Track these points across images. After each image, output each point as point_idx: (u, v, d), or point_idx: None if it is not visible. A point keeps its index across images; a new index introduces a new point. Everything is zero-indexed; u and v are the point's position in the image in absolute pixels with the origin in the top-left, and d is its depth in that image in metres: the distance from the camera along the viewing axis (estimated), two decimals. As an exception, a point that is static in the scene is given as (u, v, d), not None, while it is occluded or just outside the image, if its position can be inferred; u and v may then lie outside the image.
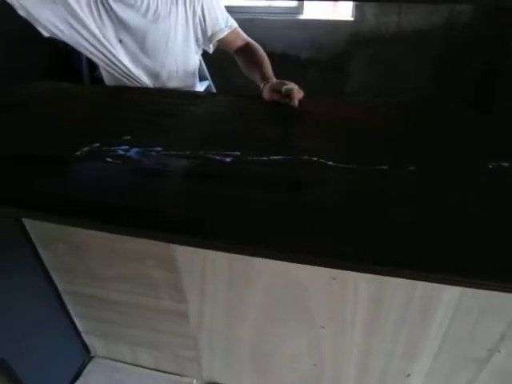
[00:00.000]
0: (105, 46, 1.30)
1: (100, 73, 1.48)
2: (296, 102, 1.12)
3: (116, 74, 1.38)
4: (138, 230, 0.76)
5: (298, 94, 1.13)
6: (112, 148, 0.96)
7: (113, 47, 1.31)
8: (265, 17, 2.70)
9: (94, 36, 1.27)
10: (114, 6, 1.24)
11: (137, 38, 1.31)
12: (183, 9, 1.32)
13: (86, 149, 0.95)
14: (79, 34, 1.26)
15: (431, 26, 2.50)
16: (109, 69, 1.37)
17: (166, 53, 1.36)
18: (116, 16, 1.26)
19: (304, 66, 2.77)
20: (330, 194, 0.81)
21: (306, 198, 0.80)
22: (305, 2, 2.69)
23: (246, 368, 1.23)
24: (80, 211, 0.77)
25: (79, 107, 1.23)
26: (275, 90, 1.16)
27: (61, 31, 1.25)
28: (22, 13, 1.19)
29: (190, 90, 1.51)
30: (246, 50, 1.40)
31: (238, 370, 1.26)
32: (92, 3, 1.23)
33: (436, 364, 0.96)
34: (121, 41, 1.31)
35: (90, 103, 1.29)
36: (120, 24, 1.28)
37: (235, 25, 1.41)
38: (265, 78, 1.23)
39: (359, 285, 0.87)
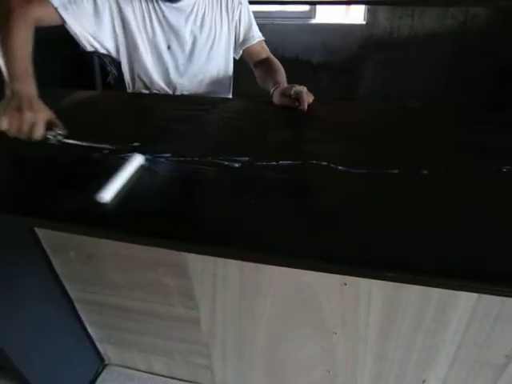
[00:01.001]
0: (149, 55, 1.31)
1: (112, 79, 1.48)
2: (305, 106, 1.11)
3: (141, 85, 1.38)
4: (149, 240, 0.76)
5: (307, 97, 1.12)
6: (121, 155, 0.96)
7: (159, 55, 1.32)
8: (277, 21, 2.71)
9: (143, 44, 1.28)
10: (167, 11, 1.25)
11: (186, 45, 1.32)
12: (226, 14, 1.35)
13: (96, 155, 0.96)
14: (132, 43, 1.27)
15: (445, 29, 2.47)
16: (141, 79, 1.37)
17: (210, 58, 1.38)
18: (167, 22, 1.27)
19: (316, 70, 2.77)
20: (341, 199, 0.80)
21: (316, 204, 0.79)
22: (317, 6, 2.69)
23: (258, 375, 1.22)
24: (91, 220, 0.78)
25: (94, 113, 1.24)
26: (285, 94, 1.15)
27: (110, 44, 1.26)
28: (76, 31, 1.17)
29: (225, 95, 1.52)
30: (266, 63, 1.41)
31: (251, 377, 1.25)
32: (145, 11, 1.24)
33: (452, 371, 0.94)
34: (169, 47, 1.31)
35: (105, 109, 1.29)
36: (170, 30, 1.29)
37: (263, 38, 1.44)
38: (276, 84, 1.23)
39: (372, 290, 0.86)
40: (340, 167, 0.88)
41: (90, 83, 2.40)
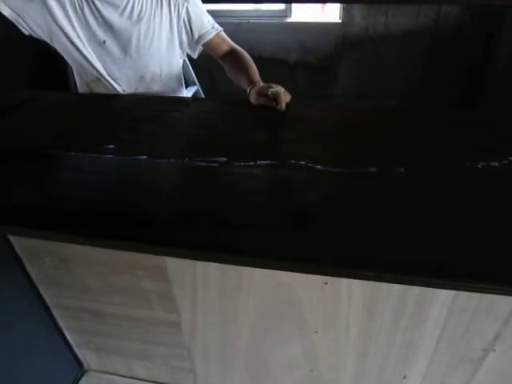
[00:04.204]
0: (86, 47, 1.29)
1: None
2: (283, 106, 1.10)
3: (90, 78, 1.37)
4: (125, 244, 0.75)
5: (284, 97, 1.12)
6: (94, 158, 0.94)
7: (95, 48, 1.30)
8: (252, 20, 2.70)
9: (77, 36, 1.27)
10: (100, 5, 1.23)
11: (120, 40, 1.30)
12: (167, 11, 1.31)
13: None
14: (62, 32, 1.26)
15: (418, 27, 2.51)
16: (88, 72, 1.35)
17: (149, 55, 1.35)
18: (101, 16, 1.25)
19: (293, 69, 2.77)
20: (319, 198, 0.80)
21: (294, 203, 0.79)
22: (292, 4, 2.69)
23: (241, 376, 1.21)
24: (64, 225, 0.76)
25: (61, 115, 1.21)
26: (262, 93, 1.15)
27: (42, 30, 1.25)
28: (5, 12, 1.19)
29: (175, 94, 1.49)
30: (232, 55, 1.39)
31: (234, 378, 1.24)
32: (76, 2, 1.23)
33: (432, 365, 0.95)
34: (104, 42, 1.29)
35: (74, 111, 1.26)
36: (105, 25, 1.27)
37: (220, 28, 1.40)
38: (251, 83, 1.22)
39: (352, 288, 0.86)
40: (318, 166, 0.88)
41: (64, 85, 2.35)
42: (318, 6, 2.86)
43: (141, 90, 1.41)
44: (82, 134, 1.00)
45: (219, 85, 1.54)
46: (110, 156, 0.95)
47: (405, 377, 1.01)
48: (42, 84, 2.08)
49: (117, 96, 1.34)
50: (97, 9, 1.24)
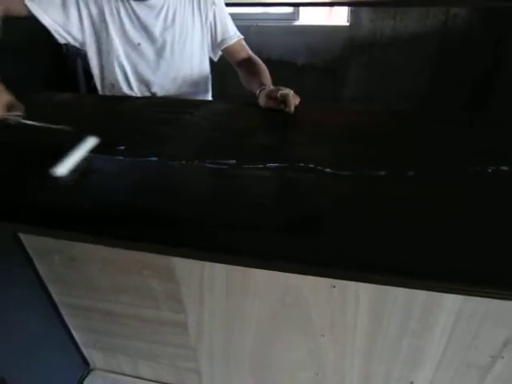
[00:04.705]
0: (118, 50, 1.30)
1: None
2: (292, 108, 1.11)
3: (112, 81, 1.37)
4: (134, 243, 0.75)
5: (293, 99, 1.12)
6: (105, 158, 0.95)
7: (128, 51, 1.30)
8: (261, 23, 2.71)
9: (112, 39, 1.27)
10: (136, 8, 1.25)
11: (155, 42, 1.31)
12: (198, 13, 1.35)
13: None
14: (96, 36, 1.27)
15: (426, 29, 2.50)
16: (113, 75, 1.35)
17: (182, 57, 1.37)
18: (137, 18, 1.26)
19: (300, 72, 2.77)
20: (328, 201, 0.80)
21: (303, 206, 0.79)
22: (300, 8, 2.69)
23: (246, 378, 1.21)
24: (73, 224, 0.77)
25: (75, 117, 1.22)
26: (271, 96, 1.15)
27: (79, 36, 1.26)
28: (46, 22, 1.19)
29: (203, 97, 1.51)
30: (248, 62, 1.41)
31: (239, 380, 1.24)
32: (113, 7, 1.24)
33: (439, 371, 0.95)
34: (139, 44, 1.30)
35: (87, 113, 1.28)
36: (141, 27, 1.28)
37: (242, 36, 1.44)
38: (262, 86, 1.22)
39: (360, 292, 0.86)
40: (327, 169, 0.88)
41: (74, 86, 2.36)
42: (326, 9, 2.86)
43: (172, 92, 1.42)
44: (93, 135, 1.01)
45: (229, 88, 1.55)
46: (121, 157, 0.96)
47: (411, 382, 1.01)
48: (52, 85, 2.10)
49: (129, 98, 1.35)
50: (133, 12, 1.25)
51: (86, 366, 1.43)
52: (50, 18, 1.18)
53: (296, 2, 2.65)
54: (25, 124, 0.96)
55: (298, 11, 2.70)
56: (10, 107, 0.95)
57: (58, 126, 0.98)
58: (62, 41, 1.25)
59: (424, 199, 0.79)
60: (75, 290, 1.15)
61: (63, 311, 1.24)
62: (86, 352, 1.38)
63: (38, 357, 1.21)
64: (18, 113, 0.95)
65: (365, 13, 2.54)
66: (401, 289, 0.80)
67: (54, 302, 1.21)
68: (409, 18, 2.50)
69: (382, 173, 0.86)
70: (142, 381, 1.39)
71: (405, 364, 0.97)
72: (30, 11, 1.15)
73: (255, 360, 1.14)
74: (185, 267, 0.96)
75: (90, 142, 0.97)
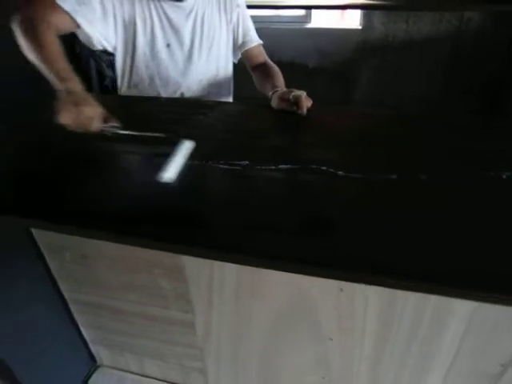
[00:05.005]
0: (147, 50, 1.29)
1: (109, 83, 1.46)
2: (304, 110, 1.11)
3: (138, 81, 1.36)
4: (144, 241, 0.76)
5: (306, 101, 1.12)
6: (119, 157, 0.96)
7: (157, 51, 1.30)
8: (272, 26, 2.71)
9: (140, 40, 1.27)
10: (168, 9, 1.25)
11: (185, 43, 1.32)
12: (224, 14, 1.36)
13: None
14: (126, 39, 1.26)
15: (440, 33, 2.49)
16: (138, 75, 1.34)
17: (209, 58, 1.38)
18: (168, 19, 1.26)
19: (311, 75, 2.77)
20: (340, 204, 0.80)
21: (314, 208, 0.79)
22: (312, 10, 2.69)
23: (252, 380, 1.21)
24: (85, 220, 0.77)
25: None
26: (283, 98, 1.15)
27: (113, 42, 1.26)
28: (92, 33, 1.18)
29: (226, 98, 1.51)
30: (264, 67, 1.41)
31: (245, 382, 1.24)
32: (145, 8, 1.24)
33: (448, 379, 0.94)
34: (168, 45, 1.31)
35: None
36: (171, 28, 1.28)
37: (261, 41, 1.45)
38: (274, 88, 1.23)
39: (368, 296, 0.86)
40: (339, 172, 0.88)
41: (87, 87, 2.37)
42: (338, 12, 2.86)
43: (197, 93, 1.42)
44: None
45: (241, 91, 1.55)
46: (134, 155, 0.97)
47: (419, 389, 1.00)
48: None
49: (144, 98, 1.35)
50: (164, 13, 1.25)
51: (93, 363, 1.44)
52: (97, 30, 1.18)
53: (308, 5, 2.66)
54: (120, 134, 0.97)
55: (310, 14, 2.70)
56: (105, 119, 0.95)
57: (153, 134, 0.99)
58: (98, 47, 1.24)
59: (436, 203, 0.79)
60: (85, 287, 1.16)
61: (72, 308, 1.25)
62: (93, 349, 1.39)
63: (46, 351, 1.22)
64: (114, 124, 0.96)
65: (377, 16, 2.53)
66: (411, 293, 0.79)
67: (64, 298, 1.22)
68: (422, 22, 2.49)
69: (394, 176, 0.86)
70: (148, 379, 1.40)
71: (413, 371, 0.96)
72: (79, 26, 1.14)
73: (262, 362, 1.14)
74: (194, 267, 0.96)
75: (187, 147, 0.96)
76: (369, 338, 0.94)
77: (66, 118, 0.90)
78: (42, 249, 1.09)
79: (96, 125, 0.93)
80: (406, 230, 0.72)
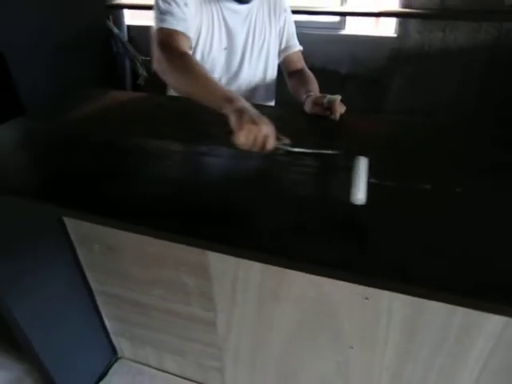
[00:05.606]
0: (208, 53, 1.30)
1: (143, 81, 1.49)
2: (337, 115, 1.10)
3: None
4: (171, 235, 0.76)
5: (339, 107, 1.11)
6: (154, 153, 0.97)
7: (213, 54, 1.31)
8: (306, 31, 2.70)
9: (202, 41, 1.28)
10: (226, 13, 1.26)
11: (239, 46, 1.33)
12: (274, 19, 1.37)
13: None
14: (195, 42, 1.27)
15: (477, 44, 2.44)
16: None
17: (259, 61, 1.39)
18: (225, 23, 1.28)
19: (344, 81, 2.75)
20: (371, 211, 0.79)
21: (345, 215, 0.78)
22: (347, 17, 2.68)
23: (270, 383, 1.21)
24: (116, 213, 0.79)
25: (124, 113, 1.26)
26: (317, 103, 1.15)
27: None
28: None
29: (270, 101, 1.52)
30: (300, 73, 1.41)
31: (262, 384, 1.24)
32: (209, 8, 1.24)
33: (471, 396, 0.92)
34: (225, 48, 1.32)
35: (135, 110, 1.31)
36: (227, 32, 1.30)
37: (301, 48, 1.46)
38: (308, 92, 1.22)
39: (393, 306, 0.85)
40: (371, 179, 0.87)
41: (120, 84, 2.44)
42: (373, 20, 2.84)
43: (246, 95, 1.42)
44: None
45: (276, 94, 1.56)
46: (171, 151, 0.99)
47: (440, 405, 0.98)
48: (100, 84, 2.17)
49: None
50: (223, 18, 1.27)
51: (114, 354, 1.47)
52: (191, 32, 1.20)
53: (343, 12, 2.64)
54: (292, 152, 0.91)
55: (345, 21, 2.69)
56: (277, 136, 0.89)
57: (326, 151, 0.95)
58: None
59: (470, 217, 0.77)
60: (111, 279, 1.18)
61: (98, 298, 1.28)
62: (115, 340, 1.42)
63: (70, 339, 1.26)
64: (287, 141, 0.91)
65: (413, 24, 2.50)
66: (437, 306, 0.77)
67: (90, 288, 1.25)
68: (459, 32, 2.44)
69: (428, 186, 0.84)
70: (166, 374, 1.41)
71: (435, 385, 0.94)
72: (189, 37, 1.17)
73: (281, 365, 1.13)
74: (219, 265, 0.97)
75: (363, 164, 0.83)
76: (391, 349, 0.93)
77: (244, 138, 0.83)
78: (73, 238, 1.12)
79: (272, 143, 0.86)
80: (437, 241, 0.71)
